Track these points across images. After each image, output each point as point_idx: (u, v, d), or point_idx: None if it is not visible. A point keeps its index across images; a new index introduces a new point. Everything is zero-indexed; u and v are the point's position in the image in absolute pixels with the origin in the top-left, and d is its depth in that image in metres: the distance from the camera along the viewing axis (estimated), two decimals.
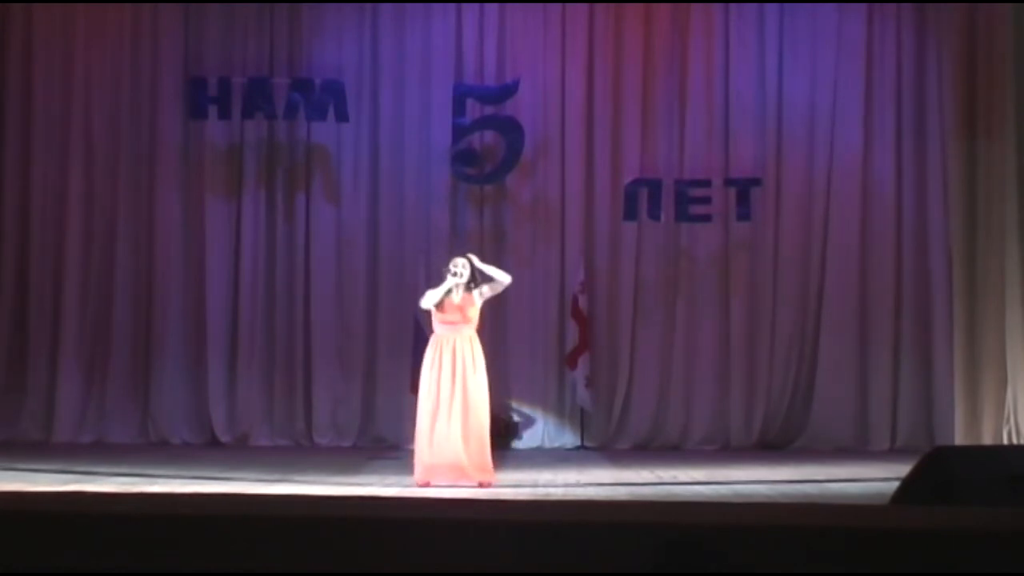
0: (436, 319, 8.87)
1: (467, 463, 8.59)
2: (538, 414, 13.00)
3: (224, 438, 12.87)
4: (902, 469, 7.47)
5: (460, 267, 8.80)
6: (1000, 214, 11.82)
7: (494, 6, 13.28)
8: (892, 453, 12.27)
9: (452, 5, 13.27)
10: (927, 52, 13.10)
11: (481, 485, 8.58)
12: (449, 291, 8.78)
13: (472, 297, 8.80)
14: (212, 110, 12.92)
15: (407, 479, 8.90)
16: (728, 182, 12.99)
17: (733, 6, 13.24)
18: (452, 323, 8.79)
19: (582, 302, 12.83)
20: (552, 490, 8.63)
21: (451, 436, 8.58)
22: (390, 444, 12.66)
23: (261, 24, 13.29)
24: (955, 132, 12.31)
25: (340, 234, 13.20)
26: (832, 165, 13.15)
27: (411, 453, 9.11)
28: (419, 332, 12.13)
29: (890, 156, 13.10)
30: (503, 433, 12.08)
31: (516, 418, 12.87)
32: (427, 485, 8.57)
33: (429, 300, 8.84)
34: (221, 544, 4.21)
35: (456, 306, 8.79)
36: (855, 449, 12.65)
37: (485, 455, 8.72)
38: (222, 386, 13.00)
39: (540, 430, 12.99)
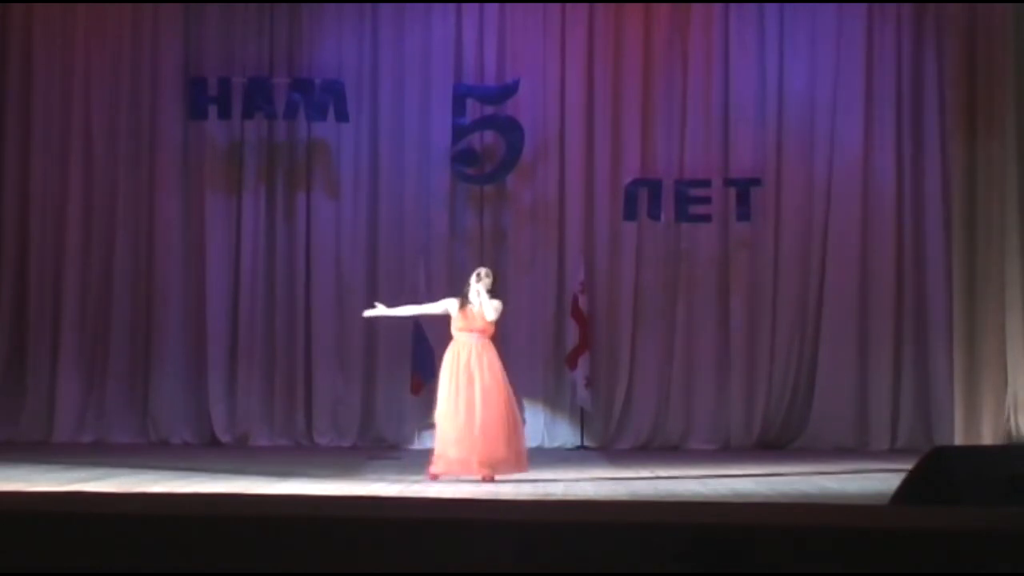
0: (454, 327, 9.26)
1: (476, 458, 8.92)
2: (538, 414, 13.00)
3: (224, 438, 12.87)
4: (902, 469, 7.46)
5: (484, 275, 9.23)
6: (1000, 214, 11.83)
7: (494, 6, 13.28)
8: (892, 453, 12.27)
9: (452, 5, 13.27)
10: (927, 52, 13.09)
11: (484, 479, 8.79)
12: (467, 300, 9.15)
13: (490, 308, 9.13)
14: (212, 110, 12.93)
15: (407, 479, 8.97)
16: (728, 182, 13.00)
17: (733, 6, 13.24)
18: (468, 331, 9.18)
19: (582, 302, 12.83)
20: (552, 490, 8.64)
21: (461, 433, 8.94)
22: (390, 444, 12.68)
23: (261, 24, 13.29)
24: (955, 132, 12.33)
25: (340, 234, 13.21)
26: (832, 165, 13.15)
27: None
28: (419, 332, 12.17)
29: (890, 156, 13.10)
30: None
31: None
32: (436, 478, 8.87)
33: (449, 306, 9.29)
34: (221, 544, 4.21)
35: (473, 315, 9.16)
36: (855, 449, 12.65)
37: (495, 451, 8.97)
38: (222, 386, 13.00)
39: (540, 430, 12.98)
